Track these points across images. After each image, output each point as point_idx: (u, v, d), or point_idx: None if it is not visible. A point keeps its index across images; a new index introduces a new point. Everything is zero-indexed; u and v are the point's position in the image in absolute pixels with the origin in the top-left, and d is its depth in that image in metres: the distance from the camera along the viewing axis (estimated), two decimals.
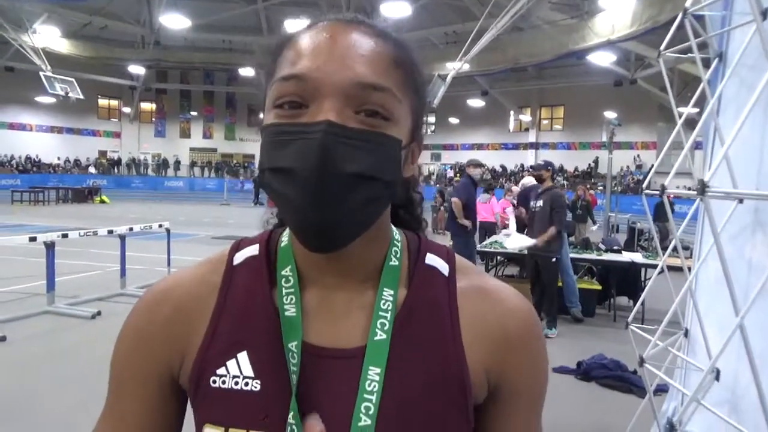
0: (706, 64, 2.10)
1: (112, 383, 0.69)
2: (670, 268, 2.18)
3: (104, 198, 25.63)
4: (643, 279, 6.92)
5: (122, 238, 7.20)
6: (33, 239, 6.04)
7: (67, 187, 25.90)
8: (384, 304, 0.63)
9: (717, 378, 1.50)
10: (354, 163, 0.55)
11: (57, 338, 5.29)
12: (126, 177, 33.93)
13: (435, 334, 0.63)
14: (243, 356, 0.62)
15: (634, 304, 6.85)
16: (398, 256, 0.67)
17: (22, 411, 3.70)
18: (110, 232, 7.23)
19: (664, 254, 2.15)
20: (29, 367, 4.52)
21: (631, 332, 2.16)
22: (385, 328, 0.62)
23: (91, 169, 32.59)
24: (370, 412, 0.58)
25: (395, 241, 0.68)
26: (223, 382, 0.62)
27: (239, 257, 0.69)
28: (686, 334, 2.23)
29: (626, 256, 7.01)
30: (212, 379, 0.62)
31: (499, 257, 8.39)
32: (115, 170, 34.28)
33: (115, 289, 7.01)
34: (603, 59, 20.93)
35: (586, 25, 19.07)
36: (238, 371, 0.62)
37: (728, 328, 1.43)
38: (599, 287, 6.88)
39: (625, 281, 6.90)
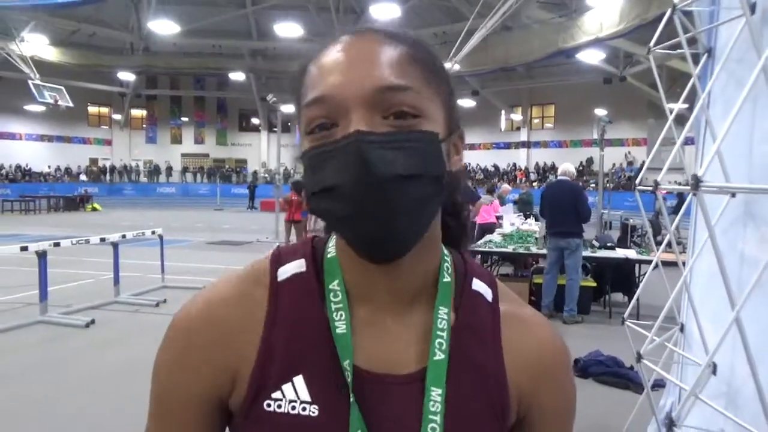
0: (695, 59, 2.11)
1: (155, 410, 0.66)
2: (664, 263, 2.18)
3: (96, 206, 25.48)
4: (637, 275, 6.95)
5: (115, 245, 7.15)
6: (24, 249, 6.00)
7: (58, 196, 25.74)
8: (441, 323, 0.64)
9: (714, 372, 1.51)
10: (394, 164, 0.54)
11: (51, 348, 5.25)
12: (117, 184, 33.79)
13: (482, 357, 0.65)
14: (299, 380, 0.61)
15: (629, 301, 6.89)
16: (450, 272, 0.68)
17: (17, 422, 3.67)
18: (103, 240, 7.19)
19: (658, 249, 2.16)
20: (23, 378, 4.48)
21: (627, 328, 2.16)
22: (443, 348, 0.63)
23: (83, 177, 32.42)
24: None
25: (445, 257, 0.68)
26: (279, 406, 0.60)
27: (284, 272, 0.66)
28: (682, 329, 2.23)
29: (620, 253, 7.03)
30: (267, 402, 0.60)
31: (494, 257, 8.40)
32: (106, 177, 34.12)
33: (108, 297, 6.97)
34: (592, 57, 21.06)
35: (575, 23, 19.17)
36: (295, 395, 0.60)
37: (723, 321, 1.43)
38: (594, 284, 6.91)
39: (620, 277, 6.92)
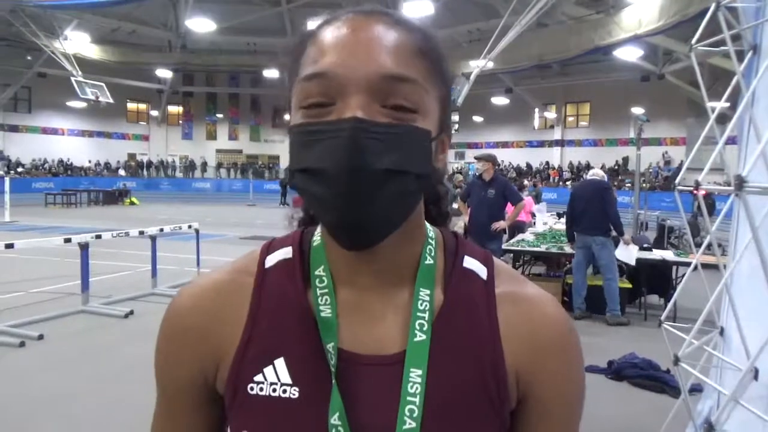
0: (740, 57, 2.06)
1: (157, 386, 0.70)
2: (703, 265, 2.14)
3: (134, 200, 26.12)
4: (674, 277, 6.79)
5: (153, 238, 7.34)
6: (68, 240, 6.20)
7: (98, 190, 26.48)
8: (421, 305, 0.62)
9: (756, 377, 1.48)
10: (384, 158, 0.54)
11: (92, 337, 5.43)
12: (154, 179, 34.53)
13: (474, 337, 0.63)
14: (280, 362, 0.61)
15: (665, 303, 6.75)
16: (433, 254, 0.66)
17: (60, 408, 3.81)
18: (141, 233, 7.38)
19: (697, 251, 2.12)
20: (66, 365, 4.65)
21: (665, 331, 2.13)
22: (424, 328, 0.61)
23: (121, 171, 33.24)
24: (415, 415, 0.58)
25: (429, 239, 0.67)
26: (261, 389, 0.61)
27: (271, 259, 0.68)
28: (722, 332, 2.19)
29: (657, 254, 6.89)
30: (250, 386, 0.61)
31: (526, 256, 8.32)
32: (144, 172, 34.89)
33: (146, 289, 7.16)
34: (630, 54, 20.56)
35: (612, 20, 18.77)
36: (276, 378, 0.61)
37: (763, 324, 1.40)
38: (630, 285, 6.79)
39: (656, 279, 6.78)
